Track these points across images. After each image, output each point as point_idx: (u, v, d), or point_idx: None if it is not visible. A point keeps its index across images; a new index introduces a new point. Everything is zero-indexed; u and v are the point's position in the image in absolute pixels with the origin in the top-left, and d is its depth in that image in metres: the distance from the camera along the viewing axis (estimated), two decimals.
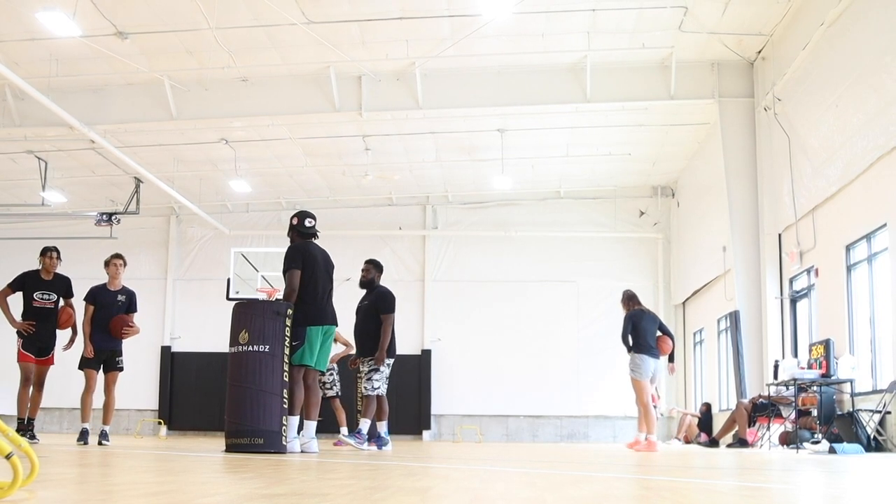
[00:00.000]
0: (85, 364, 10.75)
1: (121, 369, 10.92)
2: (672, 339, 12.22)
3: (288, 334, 8.33)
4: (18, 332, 10.64)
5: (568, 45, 15.95)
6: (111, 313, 10.74)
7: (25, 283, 10.77)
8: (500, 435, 22.79)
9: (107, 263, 11.00)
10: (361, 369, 10.80)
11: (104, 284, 10.94)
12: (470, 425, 22.58)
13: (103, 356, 10.73)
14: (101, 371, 10.81)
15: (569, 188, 23.05)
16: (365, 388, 10.61)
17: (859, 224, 12.55)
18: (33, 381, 10.72)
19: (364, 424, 10.63)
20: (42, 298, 10.70)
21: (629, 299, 12.20)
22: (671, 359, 12.39)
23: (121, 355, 10.89)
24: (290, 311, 8.44)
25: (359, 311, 10.99)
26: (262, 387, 8.09)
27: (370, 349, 10.65)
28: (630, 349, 11.99)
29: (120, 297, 10.88)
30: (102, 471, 4.89)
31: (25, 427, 10.58)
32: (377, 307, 10.74)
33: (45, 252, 10.90)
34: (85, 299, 10.82)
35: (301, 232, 8.94)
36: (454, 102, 17.31)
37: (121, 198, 21.44)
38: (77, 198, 22.73)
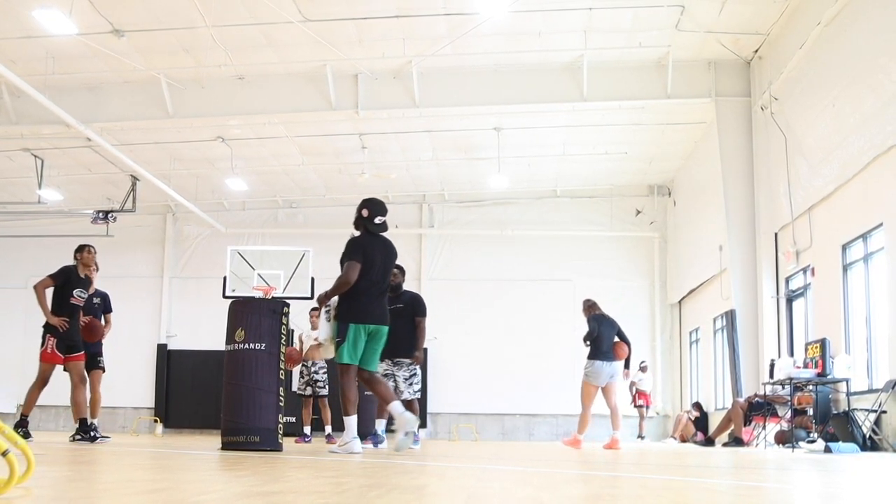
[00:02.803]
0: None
1: (103, 369, 10.95)
2: (628, 345, 12.48)
3: (284, 333, 8.34)
4: (52, 330, 10.34)
5: (564, 44, 15.96)
6: (88, 314, 10.87)
7: (70, 277, 10.50)
8: (497, 433, 22.79)
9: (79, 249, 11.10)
10: (388, 369, 10.88)
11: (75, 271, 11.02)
12: (466, 424, 22.59)
13: (85, 356, 10.81)
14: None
15: (565, 187, 23.06)
16: (410, 392, 10.84)
17: (856, 223, 12.56)
18: (76, 381, 10.52)
19: (414, 426, 10.86)
20: (79, 296, 10.55)
21: (590, 307, 12.65)
22: (626, 365, 12.61)
23: (101, 355, 10.97)
24: (286, 310, 8.44)
25: None
26: (259, 385, 8.10)
27: (404, 351, 10.77)
28: (591, 353, 12.35)
29: (95, 300, 11.07)
30: (98, 468, 4.88)
31: (87, 428, 10.46)
32: (414, 310, 10.92)
33: (84, 248, 10.67)
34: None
35: (368, 228, 8.33)
36: (451, 101, 17.31)
37: (117, 196, 21.43)
38: (73, 196, 22.70)
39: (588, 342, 12.34)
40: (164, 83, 16.98)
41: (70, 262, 11.00)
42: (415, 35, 15.52)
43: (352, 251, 8.10)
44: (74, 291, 10.47)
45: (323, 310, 8.28)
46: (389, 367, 10.86)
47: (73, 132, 17.25)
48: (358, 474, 4.65)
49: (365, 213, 8.33)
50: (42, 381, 10.43)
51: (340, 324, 8.05)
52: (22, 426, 10.42)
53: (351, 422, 8.12)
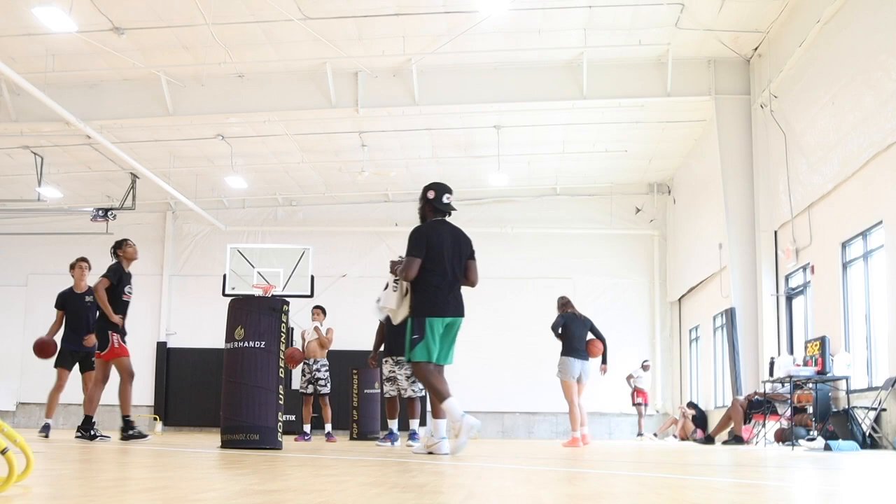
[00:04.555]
0: (60, 363, 10.85)
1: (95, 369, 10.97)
2: (603, 342, 12.76)
3: (284, 331, 8.32)
4: (113, 327, 10.30)
5: (564, 42, 15.95)
6: (81, 315, 10.96)
7: (121, 275, 10.46)
8: (496, 432, 22.80)
9: (72, 267, 11.21)
10: (393, 370, 10.95)
11: (71, 288, 11.16)
12: None
13: (78, 356, 10.85)
14: (78, 370, 11.02)
15: (565, 185, 23.05)
16: (413, 390, 10.97)
17: (855, 221, 12.56)
18: (99, 378, 10.51)
19: (415, 425, 10.90)
20: (129, 292, 10.57)
21: (563, 305, 12.97)
22: (604, 360, 12.90)
23: (94, 356, 10.98)
24: (285, 308, 8.42)
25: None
26: (258, 383, 8.09)
27: (403, 349, 10.82)
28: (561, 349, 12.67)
29: (88, 298, 11.09)
30: (98, 467, 4.88)
31: (89, 426, 10.37)
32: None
33: (124, 242, 10.62)
34: (56, 306, 10.92)
35: (437, 207, 7.71)
36: (450, 99, 17.30)
37: (117, 193, 21.43)
38: (73, 193, 22.70)
39: (554, 332, 12.65)
40: (164, 81, 16.96)
41: (72, 260, 11.04)
42: (415, 33, 15.51)
43: (413, 244, 7.51)
44: (125, 288, 10.49)
45: (393, 280, 7.79)
46: (393, 368, 10.93)
47: (73, 130, 17.25)
48: (358, 472, 4.65)
49: (431, 194, 7.74)
50: (129, 375, 10.35)
51: (416, 319, 7.49)
52: (129, 427, 10.29)
53: (440, 423, 7.62)
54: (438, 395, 7.45)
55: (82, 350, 10.93)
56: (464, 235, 7.83)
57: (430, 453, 7.40)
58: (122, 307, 10.41)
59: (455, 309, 7.66)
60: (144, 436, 10.57)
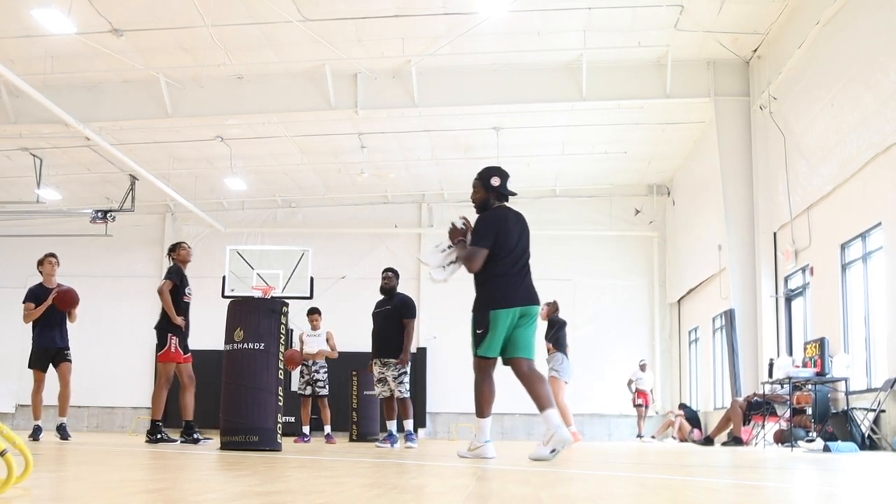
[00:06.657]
0: (33, 364, 10.80)
1: (70, 361, 10.94)
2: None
3: (283, 332, 8.31)
4: (175, 330, 10.36)
5: (564, 44, 15.96)
6: (51, 311, 10.84)
7: (182, 277, 10.49)
8: (496, 433, 22.77)
9: (41, 262, 11.08)
10: (382, 372, 10.99)
11: (41, 284, 11.05)
12: (465, 423, 22.57)
13: (50, 353, 10.78)
14: (52, 367, 10.92)
15: (564, 186, 23.06)
16: (400, 391, 10.92)
17: (854, 223, 12.57)
18: (186, 383, 10.55)
19: (409, 424, 10.95)
20: (189, 293, 10.59)
21: (557, 308, 13.37)
22: None
23: (68, 349, 10.95)
24: (285, 310, 8.41)
25: (377, 315, 11.20)
26: (258, 384, 8.09)
27: (391, 352, 10.85)
28: (558, 350, 12.98)
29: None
30: (97, 468, 4.88)
31: (188, 431, 10.38)
32: (401, 313, 10.99)
33: (179, 245, 10.68)
34: (25, 300, 10.87)
35: (502, 193, 7.38)
36: (450, 100, 17.31)
37: (116, 195, 21.42)
38: (72, 195, 22.70)
39: (554, 340, 12.93)
40: (163, 82, 16.97)
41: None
42: (414, 34, 15.52)
43: (482, 233, 7.08)
44: (186, 289, 10.50)
45: (438, 244, 7.52)
46: (382, 370, 10.94)
47: (72, 131, 17.25)
48: (357, 474, 4.64)
49: (496, 181, 7.37)
50: (167, 380, 10.43)
51: (480, 312, 7.13)
52: (156, 432, 10.28)
53: (484, 424, 7.25)
54: (479, 406, 7.18)
55: (54, 347, 10.85)
56: (525, 219, 7.44)
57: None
58: (183, 308, 10.51)
59: (526, 297, 7.10)
60: (173, 440, 10.53)
